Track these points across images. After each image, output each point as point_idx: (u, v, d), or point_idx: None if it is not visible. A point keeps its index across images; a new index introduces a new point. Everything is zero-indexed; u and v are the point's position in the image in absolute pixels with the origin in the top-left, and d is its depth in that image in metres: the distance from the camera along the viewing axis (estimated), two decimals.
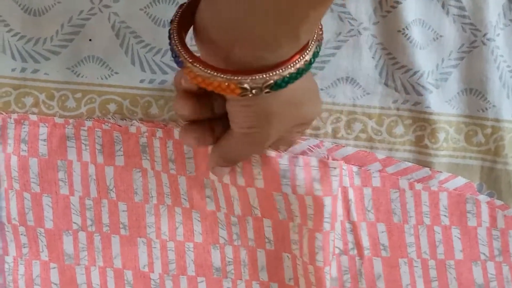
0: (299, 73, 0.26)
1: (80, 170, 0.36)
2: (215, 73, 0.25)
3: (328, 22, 0.35)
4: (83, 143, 0.36)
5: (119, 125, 0.36)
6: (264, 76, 0.25)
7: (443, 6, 0.36)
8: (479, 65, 0.36)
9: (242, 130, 0.29)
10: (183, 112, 0.30)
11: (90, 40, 0.35)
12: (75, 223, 0.36)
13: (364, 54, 0.36)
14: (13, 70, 0.36)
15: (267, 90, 0.25)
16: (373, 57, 0.36)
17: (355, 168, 0.36)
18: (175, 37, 0.26)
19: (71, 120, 0.36)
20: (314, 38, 0.26)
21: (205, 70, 0.25)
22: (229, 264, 0.36)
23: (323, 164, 0.33)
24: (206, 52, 0.26)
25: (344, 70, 0.36)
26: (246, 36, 0.24)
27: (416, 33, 0.35)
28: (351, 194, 0.36)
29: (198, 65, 0.26)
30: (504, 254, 0.36)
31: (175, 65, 0.35)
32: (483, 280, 0.36)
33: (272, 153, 0.33)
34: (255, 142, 0.30)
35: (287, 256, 0.36)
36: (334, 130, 0.36)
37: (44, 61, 0.35)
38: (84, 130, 0.36)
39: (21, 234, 0.36)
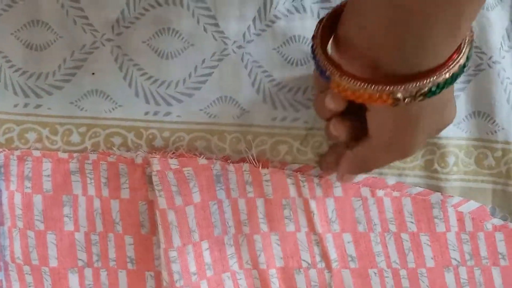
0: (454, 78, 0.25)
1: (86, 204, 0.35)
2: (366, 85, 0.24)
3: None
4: (88, 177, 0.35)
5: (124, 157, 0.35)
6: (418, 84, 0.24)
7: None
8: (486, 88, 0.36)
9: (384, 138, 0.28)
10: (333, 106, 0.29)
11: (93, 74, 0.35)
12: (80, 259, 0.35)
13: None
14: (15, 106, 0.35)
15: (420, 98, 0.24)
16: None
17: (316, 180, 0.35)
18: (320, 52, 0.26)
19: (75, 155, 0.35)
20: (467, 40, 0.25)
21: (355, 83, 0.25)
22: None
23: (254, 168, 0.34)
24: (351, 63, 0.26)
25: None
26: (399, 43, 0.23)
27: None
28: (313, 206, 0.35)
29: (347, 79, 0.25)
30: (475, 257, 0.36)
31: (178, 96, 0.35)
32: (456, 286, 0.36)
33: (204, 161, 0.34)
34: (398, 150, 0.29)
35: (150, 275, 0.35)
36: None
37: (47, 96, 0.35)
38: (88, 163, 0.35)
39: (26, 273, 0.35)
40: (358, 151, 0.31)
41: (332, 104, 0.29)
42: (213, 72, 0.35)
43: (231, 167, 0.35)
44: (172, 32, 0.35)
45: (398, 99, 0.24)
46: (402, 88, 0.24)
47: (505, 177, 0.36)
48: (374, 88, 0.24)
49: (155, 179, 0.33)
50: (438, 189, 0.35)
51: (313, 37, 0.27)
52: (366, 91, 0.25)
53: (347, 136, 0.31)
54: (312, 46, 0.27)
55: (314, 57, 0.27)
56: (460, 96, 0.36)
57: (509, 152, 0.36)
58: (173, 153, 0.35)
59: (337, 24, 0.27)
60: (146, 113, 0.35)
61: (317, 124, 0.35)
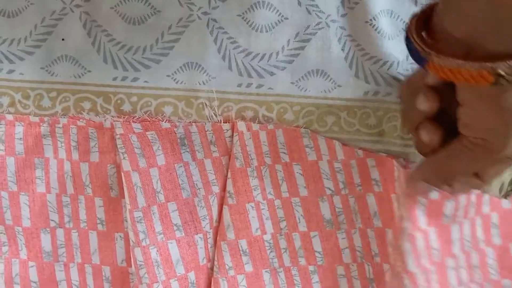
0: None
1: (57, 167, 0.36)
2: (465, 62, 0.24)
3: (297, 16, 0.36)
4: (58, 140, 0.36)
5: (93, 121, 0.36)
6: None
7: None
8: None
9: (477, 135, 0.28)
10: (427, 105, 0.29)
11: (63, 39, 0.36)
12: (52, 220, 0.37)
13: (334, 46, 0.36)
14: None
15: None
16: (342, 49, 0.36)
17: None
18: (415, 36, 0.27)
19: (46, 118, 0.36)
20: None
21: (454, 61, 0.25)
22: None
23: (217, 126, 0.35)
24: (448, 46, 0.26)
25: (313, 63, 0.36)
26: (498, 25, 0.24)
27: (384, 24, 0.35)
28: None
29: (445, 57, 0.25)
30: (349, 186, 0.36)
31: (145, 62, 0.36)
32: (331, 215, 0.36)
33: (167, 125, 0.35)
34: (487, 153, 0.28)
35: (120, 236, 0.36)
36: (306, 124, 0.36)
37: (19, 61, 0.36)
38: (59, 127, 0.36)
39: (1, 233, 0.37)
40: (440, 155, 0.30)
41: (425, 103, 0.29)
42: (179, 39, 0.36)
43: (194, 128, 0.35)
44: None
45: (499, 75, 0.24)
46: (504, 63, 0.23)
47: None
48: (474, 65, 0.24)
49: (118, 142, 0.34)
50: (405, 155, 0.36)
51: (407, 30, 0.28)
52: (465, 67, 0.24)
53: (440, 141, 0.30)
54: (406, 38, 0.27)
55: (409, 46, 0.27)
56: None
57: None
58: (138, 118, 0.36)
59: (431, 18, 0.27)
60: (114, 79, 0.36)
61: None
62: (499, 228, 0.37)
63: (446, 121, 0.30)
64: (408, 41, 0.27)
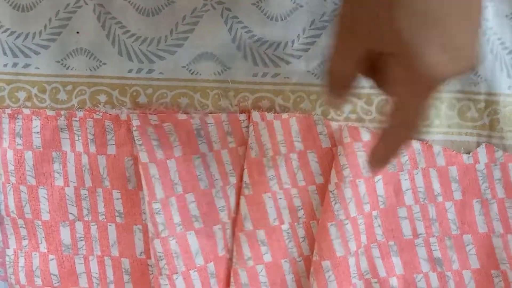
0: None
1: (74, 160, 0.36)
2: None
3: (312, 3, 0.35)
4: (75, 134, 0.36)
5: (110, 114, 0.36)
6: None
7: None
8: None
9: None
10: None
11: (77, 32, 0.36)
12: (71, 213, 0.37)
13: None
14: (5, 65, 0.36)
15: None
16: None
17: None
18: None
19: (62, 112, 0.36)
20: None
21: None
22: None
23: (233, 117, 0.35)
24: None
25: None
26: None
27: None
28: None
29: None
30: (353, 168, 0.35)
31: (160, 54, 0.36)
32: (354, 197, 0.35)
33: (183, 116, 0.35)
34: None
35: (138, 229, 0.36)
36: (323, 112, 0.36)
37: (34, 55, 0.36)
38: (76, 120, 0.36)
39: (20, 227, 0.37)
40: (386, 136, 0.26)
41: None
42: (194, 29, 0.35)
43: (210, 119, 0.35)
44: None
45: None
46: None
47: (489, 129, 0.36)
48: None
49: (135, 134, 0.34)
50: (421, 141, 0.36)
51: None
52: None
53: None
54: None
55: None
56: None
57: (492, 104, 0.35)
58: (154, 109, 0.36)
59: None
60: (130, 71, 0.36)
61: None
62: (459, 183, 0.36)
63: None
64: None
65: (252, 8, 0.35)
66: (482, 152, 0.35)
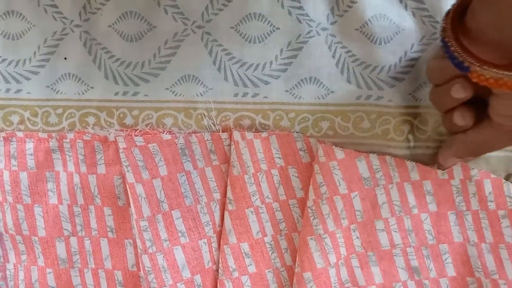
0: None
1: (67, 179, 0.38)
2: (510, 73, 0.25)
3: (288, 25, 0.36)
4: (67, 154, 0.38)
5: (98, 135, 0.38)
6: None
7: (400, 0, 0.36)
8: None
9: (509, 123, 0.29)
10: (464, 94, 0.30)
11: (65, 58, 0.38)
12: (65, 229, 0.39)
13: (325, 53, 0.36)
14: None
15: None
16: (333, 56, 0.36)
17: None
18: (454, 43, 0.27)
19: (54, 134, 0.38)
20: None
21: (498, 72, 0.26)
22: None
23: (216, 136, 0.37)
24: (486, 52, 0.26)
25: (306, 71, 0.37)
26: None
27: (376, 29, 0.36)
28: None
29: (489, 68, 0.26)
30: (352, 184, 0.37)
31: (144, 77, 0.37)
32: (332, 214, 0.36)
33: (168, 136, 0.36)
34: None
35: (129, 243, 0.38)
36: (302, 130, 0.37)
37: (25, 81, 0.38)
38: (66, 142, 0.38)
39: (19, 243, 0.39)
40: (476, 136, 0.32)
41: (463, 93, 0.30)
42: (175, 53, 0.37)
43: (193, 138, 0.37)
44: (135, 15, 0.37)
45: None
46: None
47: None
48: None
49: (122, 156, 0.36)
50: (399, 157, 0.37)
51: (443, 30, 0.28)
52: (509, 78, 0.25)
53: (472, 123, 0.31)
54: (443, 39, 0.28)
55: (448, 50, 0.27)
56: (416, 65, 0.37)
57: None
58: (140, 131, 0.37)
59: (465, 16, 0.27)
60: (116, 94, 0.38)
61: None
62: (433, 195, 0.37)
63: (475, 102, 0.31)
64: (446, 46, 0.27)
65: (231, 32, 0.36)
66: (457, 169, 0.37)
